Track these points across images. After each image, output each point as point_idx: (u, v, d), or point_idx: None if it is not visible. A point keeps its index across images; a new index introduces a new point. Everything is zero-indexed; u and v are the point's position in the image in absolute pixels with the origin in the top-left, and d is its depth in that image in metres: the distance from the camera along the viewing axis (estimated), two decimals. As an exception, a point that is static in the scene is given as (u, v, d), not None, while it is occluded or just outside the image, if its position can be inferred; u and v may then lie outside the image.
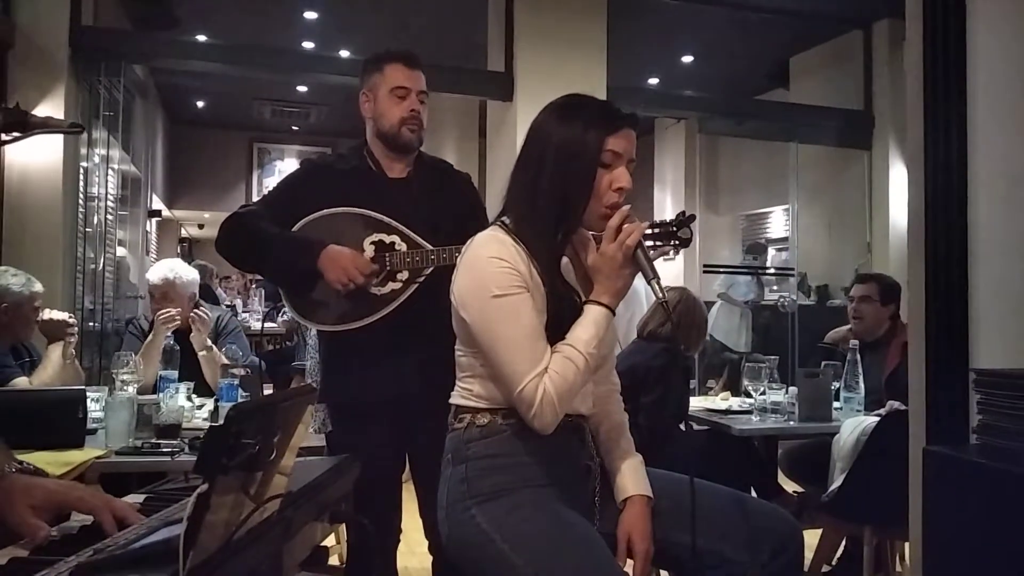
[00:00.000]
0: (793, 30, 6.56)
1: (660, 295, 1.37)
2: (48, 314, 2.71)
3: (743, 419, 2.81)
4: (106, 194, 5.01)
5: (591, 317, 1.39)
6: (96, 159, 4.92)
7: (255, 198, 10.12)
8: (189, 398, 2.56)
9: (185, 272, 3.08)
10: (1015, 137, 1.97)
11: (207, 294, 5.22)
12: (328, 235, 1.93)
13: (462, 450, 1.44)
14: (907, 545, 2.47)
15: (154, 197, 8.56)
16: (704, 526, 1.39)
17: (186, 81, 8.21)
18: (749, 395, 2.87)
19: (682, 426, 2.94)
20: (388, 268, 1.93)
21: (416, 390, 1.89)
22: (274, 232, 1.94)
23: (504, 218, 1.47)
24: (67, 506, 1.13)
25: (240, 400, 2.52)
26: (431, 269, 1.90)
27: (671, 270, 9.00)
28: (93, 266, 4.81)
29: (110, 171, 5.12)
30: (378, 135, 2.05)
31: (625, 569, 1.40)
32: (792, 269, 6.64)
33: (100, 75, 4.76)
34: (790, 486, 3.12)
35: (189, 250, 13.01)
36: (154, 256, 8.55)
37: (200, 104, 9.77)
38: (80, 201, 4.66)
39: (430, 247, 1.91)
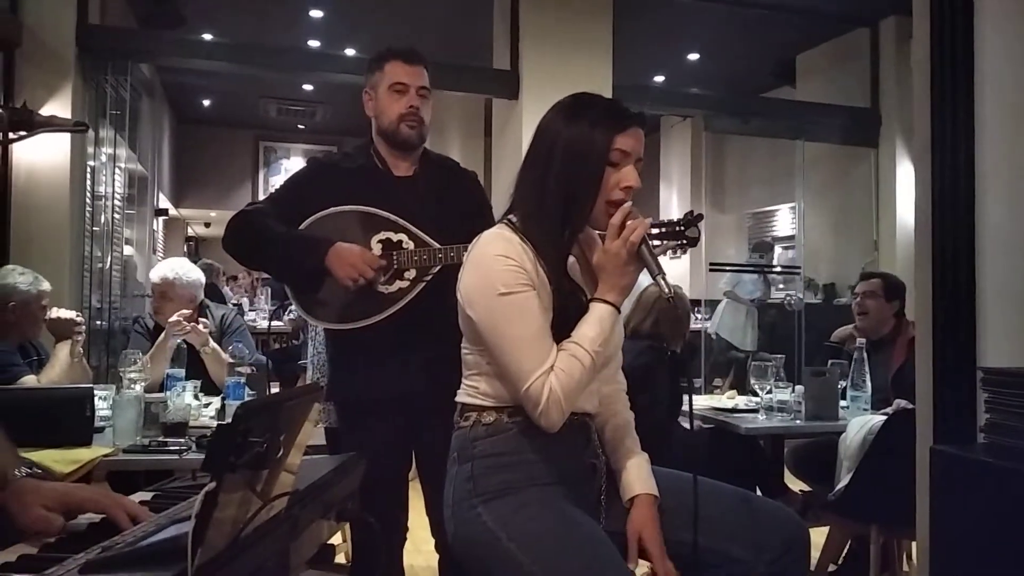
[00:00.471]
0: (799, 27, 6.55)
1: (666, 291, 1.37)
2: (56, 313, 2.72)
3: (749, 418, 2.80)
4: (113, 193, 5.02)
5: (596, 315, 1.39)
6: (103, 158, 4.93)
7: (261, 196, 10.14)
8: (196, 396, 2.57)
9: (187, 272, 3.08)
10: (1023, 135, 1.96)
11: (214, 293, 5.25)
12: (335, 233, 1.93)
13: (468, 448, 1.44)
14: (914, 545, 2.46)
15: (161, 196, 8.59)
16: (709, 525, 1.39)
17: (192, 80, 8.23)
18: (755, 394, 2.86)
19: (685, 424, 2.94)
20: (395, 266, 1.93)
21: (423, 388, 1.89)
22: (281, 230, 1.94)
23: (511, 216, 1.47)
24: (79, 506, 1.13)
25: (247, 398, 2.53)
26: (438, 267, 1.90)
27: (677, 269, 8.99)
28: (100, 265, 4.83)
29: (117, 170, 5.14)
30: (380, 132, 2.05)
31: (633, 569, 1.39)
32: (798, 268, 6.62)
33: (107, 74, 4.77)
34: (796, 485, 3.11)
35: (196, 249, 13.05)
36: (161, 255, 8.57)
37: (206, 103, 9.80)
38: (87, 200, 4.68)
39: (437, 245, 1.91)
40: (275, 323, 6.12)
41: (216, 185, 10.75)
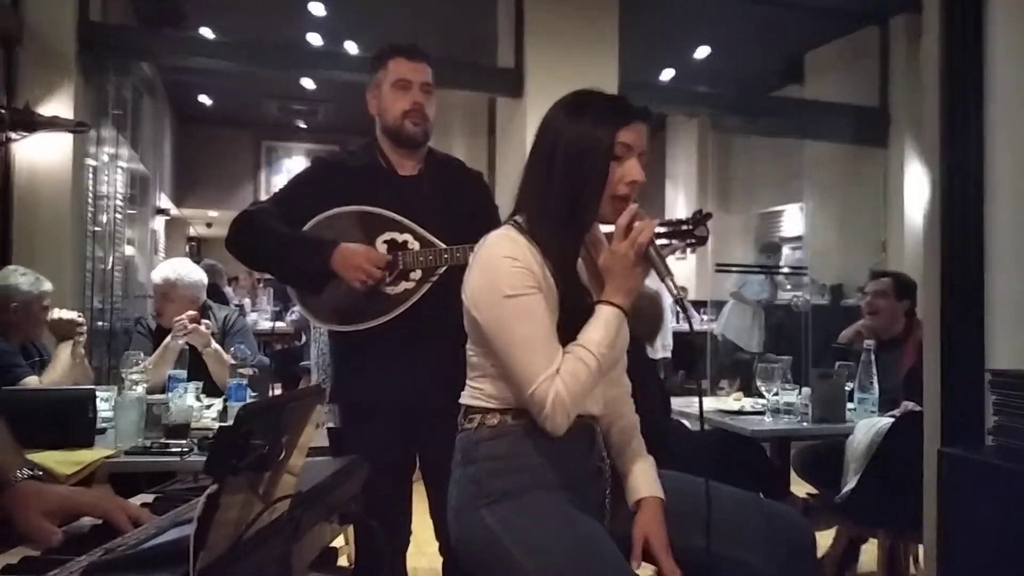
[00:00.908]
0: (808, 25, 6.52)
1: (675, 292, 1.35)
2: (57, 313, 2.71)
3: (756, 420, 2.78)
4: (114, 193, 5.02)
5: (603, 317, 1.38)
6: (104, 157, 4.93)
7: (263, 196, 10.13)
8: (198, 398, 2.56)
9: (189, 273, 3.07)
10: (1034, 135, 1.95)
11: (216, 293, 5.24)
12: (340, 234, 1.92)
13: (472, 451, 1.43)
14: (921, 548, 2.45)
15: (162, 195, 8.59)
16: (717, 529, 1.37)
17: (194, 78, 8.23)
18: (762, 396, 2.85)
19: (685, 424, 2.93)
20: (401, 267, 1.91)
21: (428, 390, 1.87)
22: (285, 231, 1.93)
23: (517, 217, 1.46)
24: (80, 511, 1.13)
25: (249, 400, 2.52)
26: (444, 268, 1.88)
27: (683, 269, 8.99)
28: (102, 265, 4.82)
29: (118, 169, 5.14)
30: (384, 131, 2.04)
31: (638, 572, 1.38)
32: (806, 268, 6.60)
33: (108, 72, 4.77)
34: (803, 487, 3.10)
35: (197, 249, 13.06)
36: (162, 255, 8.58)
37: (208, 102, 9.80)
38: (89, 200, 4.67)
39: (443, 246, 1.90)
40: (277, 324, 6.13)
41: (218, 185, 10.75)
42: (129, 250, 5.64)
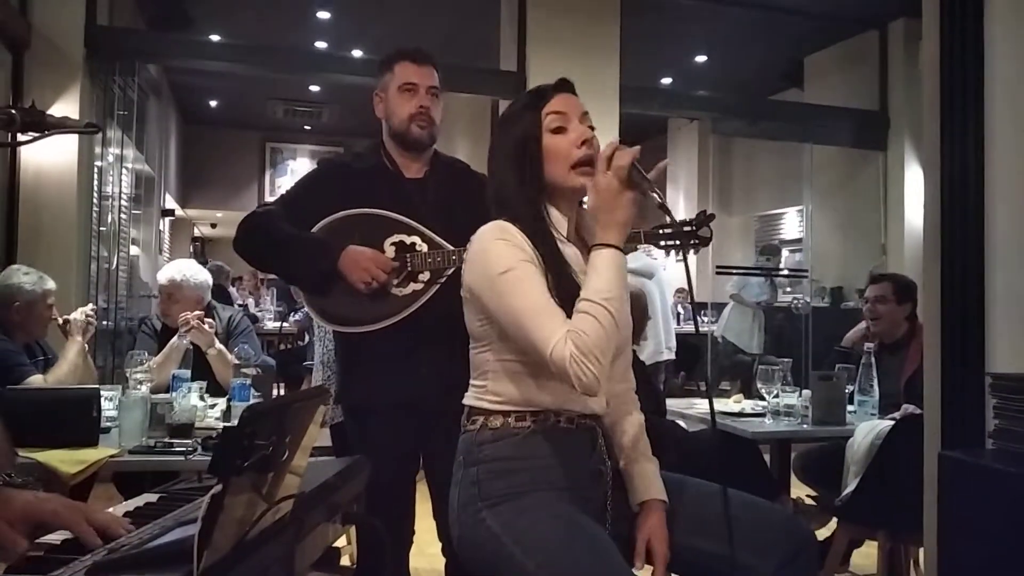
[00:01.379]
0: (808, 30, 6.53)
1: (660, 199, 1.34)
2: (72, 315, 2.73)
3: (756, 422, 2.79)
4: (120, 193, 5.05)
5: (600, 262, 1.36)
6: (110, 158, 4.95)
7: (267, 197, 10.20)
8: (202, 397, 2.57)
9: (194, 274, 3.09)
10: (1034, 138, 1.95)
11: (220, 294, 5.26)
12: (348, 236, 1.92)
13: (474, 452, 1.43)
14: (921, 551, 2.45)
15: (167, 196, 8.61)
16: (717, 531, 1.38)
17: (199, 81, 8.26)
18: (762, 398, 2.85)
19: (685, 425, 2.93)
20: (409, 269, 1.92)
21: (435, 391, 1.88)
22: (294, 233, 1.94)
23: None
24: (41, 520, 1.06)
25: (252, 400, 2.53)
26: (452, 270, 1.89)
27: (682, 271, 8.96)
28: (107, 265, 4.84)
29: (124, 170, 5.16)
30: (391, 134, 2.05)
31: (637, 573, 1.39)
32: (806, 271, 6.60)
33: (115, 75, 4.80)
34: (803, 490, 3.10)
35: (202, 249, 13.09)
36: (167, 255, 8.60)
37: (213, 104, 9.83)
38: (94, 200, 4.69)
39: (451, 247, 1.90)
40: (284, 325, 6.14)
41: (222, 186, 10.78)
42: (134, 250, 5.67)
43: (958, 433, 1.97)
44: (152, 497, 1.29)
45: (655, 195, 1.34)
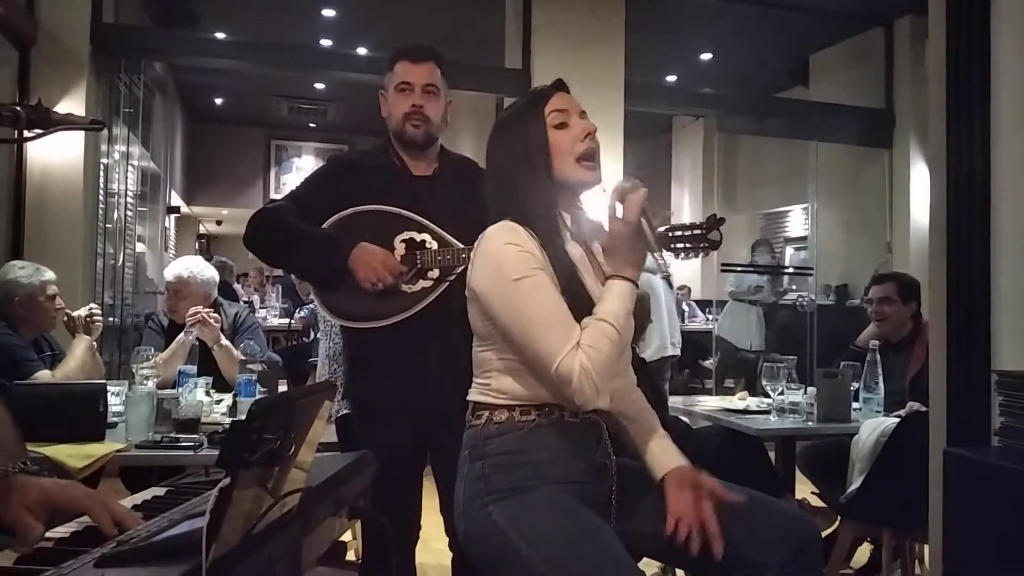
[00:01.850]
0: (813, 27, 6.52)
1: (662, 264, 1.40)
2: (75, 313, 2.74)
3: (761, 419, 2.79)
4: (126, 190, 5.06)
5: (616, 291, 1.40)
6: (116, 155, 4.97)
7: (273, 195, 10.23)
8: (208, 393, 2.58)
9: (201, 271, 3.10)
10: (1040, 136, 1.95)
11: (226, 290, 5.27)
12: (359, 233, 1.93)
13: (479, 447, 1.44)
14: (927, 548, 2.45)
15: (173, 193, 8.63)
16: (722, 525, 1.38)
17: (205, 78, 8.28)
18: (767, 395, 2.85)
19: (690, 422, 2.93)
20: (419, 266, 1.93)
21: (443, 388, 1.88)
22: (305, 228, 1.95)
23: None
24: (62, 506, 1.10)
25: (258, 396, 2.54)
26: (462, 268, 1.90)
27: (688, 269, 8.98)
28: (113, 262, 4.86)
29: (130, 167, 5.17)
30: (392, 134, 2.06)
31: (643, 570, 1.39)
32: (811, 268, 6.59)
33: (120, 72, 4.81)
34: (808, 486, 3.10)
35: (207, 246, 13.11)
36: (173, 252, 8.61)
37: (218, 101, 9.84)
38: (100, 197, 4.71)
39: (461, 245, 1.91)
40: (286, 320, 6.15)
41: (228, 183, 10.80)
42: (140, 247, 5.68)
43: (964, 430, 1.97)
44: (160, 491, 1.30)
45: (655, 257, 1.41)
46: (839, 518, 2.70)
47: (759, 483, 2.76)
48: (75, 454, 1.96)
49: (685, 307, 8.35)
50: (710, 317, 6.98)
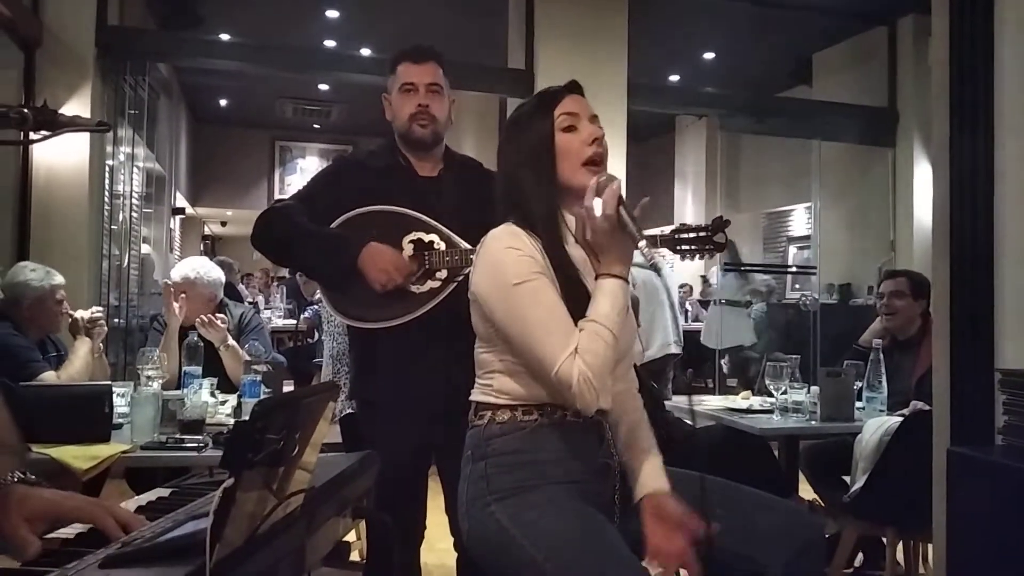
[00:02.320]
0: (816, 26, 6.51)
1: (646, 253, 1.35)
2: (77, 314, 2.75)
3: (764, 418, 2.79)
4: (131, 192, 5.07)
5: (606, 289, 1.39)
6: (121, 157, 4.98)
7: (277, 195, 10.24)
8: (212, 394, 2.59)
9: (208, 272, 3.10)
10: (1043, 135, 1.94)
11: (230, 291, 5.28)
12: (367, 232, 1.93)
13: (482, 447, 1.44)
14: (931, 547, 2.44)
15: (178, 194, 8.65)
16: (724, 524, 1.38)
17: (209, 80, 8.30)
18: (770, 394, 2.85)
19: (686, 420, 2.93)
20: (427, 266, 1.93)
21: (449, 388, 1.88)
22: (314, 229, 1.95)
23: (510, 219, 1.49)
24: (63, 517, 1.08)
25: (263, 396, 2.54)
26: (469, 269, 1.90)
27: (691, 269, 8.97)
28: (118, 263, 4.87)
29: (135, 169, 5.19)
30: (398, 136, 2.07)
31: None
32: (814, 267, 6.58)
33: (125, 74, 4.82)
34: (810, 486, 3.10)
35: (212, 247, 13.15)
36: (178, 253, 8.64)
37: (223, 102, 9.87)
38: (106, 199, 4.72)
39: (468, 246, 1.91)
40: (290, 321, 6.16)
41: (232, 184, 10.83)
42: (145, 248, 5.69)
43: (967, 429, 1.97)
44: (164, 492, 1.30)
45: (641, 246, 1.36)
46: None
47: (765, 483, 2.77)
48: (81, 455, 1.97)
49: (688, 307, 8.35)
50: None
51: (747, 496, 1.50)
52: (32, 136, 1.19)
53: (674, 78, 7.83)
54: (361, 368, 2.08)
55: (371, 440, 1.99)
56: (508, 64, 5.54)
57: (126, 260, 4.97)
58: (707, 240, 1.48)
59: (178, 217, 8.97)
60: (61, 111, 1.22)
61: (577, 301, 1.41)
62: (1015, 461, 1.76)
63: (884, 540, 2.66)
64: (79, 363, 2.68)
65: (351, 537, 2.95)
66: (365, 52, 6.38)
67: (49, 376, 2.59)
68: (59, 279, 2.76)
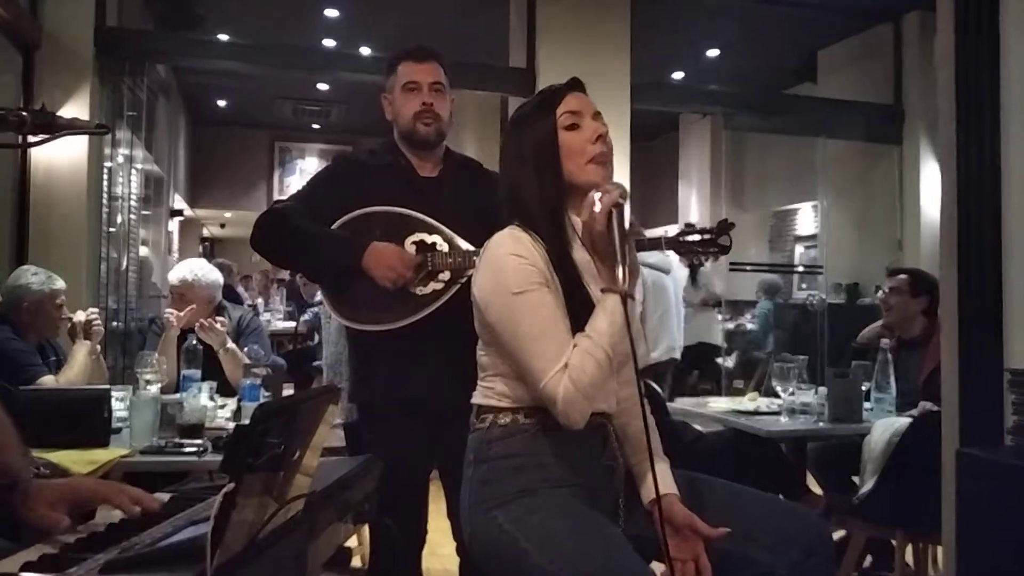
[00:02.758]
0: (821, 23, 6.50)
1: (620, 280, 1.32)
2: (76, 318, 2.74)
3: (772, 420, 2.77)
4: (129, 194, 5.06)
5: (607, 307, 1.36)
6: (120, 159, 4.97)
7: (276, 197, 10.23)
8: (212, 398, 2.57)
9: (206, 274, 3.09)
10: (1053, 131, 1.93)
11: (229, 293, 5.27)
12: (369, 233, 1.91)
13: (484, 450, 1.43)
14: (940, 549, 2.43)
15: (176, 196, 8.65)
16: (731, 527, 1.37)
17: (208, 80, 8.30)
18: (778, 395, 2.83)
19: (700, 427, 2.91)
20: (429, 268, 1.91)
21: (451, 390, 1.86)
22: (316, 230, 1.94)
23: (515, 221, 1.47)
24: (81, 498, 1.15)
25: (262, 400, 2.52)
26: (472, 271, 1.88)
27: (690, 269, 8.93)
28: (116, 265, 4.86)
29: (133, 171, 5.18)
30: (400, 135, 2.05)
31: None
32: (821, 267, 6.56)
33: (124, 75, 4.82)
34: (818, 488, 3.08)
35: (211, 249, 13.15)
36: (176, 255, 8.63)
37: (222, 103, 9.86)
38: (104, 201, 4.71)
39: (471, 248, 1.89)
40: (290, 324, 6.15)
41: (231, 186, 10.82)
42: (143, 251, 5.69)
43: (976, 430, 1.96)
44: (163, 496, 1.29)
45: (616, 255, 1.32)
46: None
47: (776, 486, 2.75)
48: (80, 460, 1.96)
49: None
50: (720, 316, 6.95)
51: (754, 498, 1.49)
52: (31, 139, 1.20)
53: (678, 76, 7.81)
54: (363, 370, 2.06)
55: (373, 443, 1.97)
56: (509, 63, 5.53)
57: (124, 262, 4.96)
58: (711, 243, 1.46)
59: (177, 219, 8.97)
60: (60, 113, 1.22)
61: (578, 306, 1.40)
62: (1025, 462, 1.74)
63: (893, 542, 2.64)
64: (77, 367, 2.67)
65: (353, 543, 2.94)
66: (365, 52, 6.36)
67: (48, 380, 2.58)
68: (60, 284, 2.75)
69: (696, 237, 1.48)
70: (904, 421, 2.49)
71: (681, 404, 3.32)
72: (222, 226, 13.01)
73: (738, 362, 6.55)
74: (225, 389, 2.80)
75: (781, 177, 8.48)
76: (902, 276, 3.13)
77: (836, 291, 6.50)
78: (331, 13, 6.61)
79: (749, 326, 7.24)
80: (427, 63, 2.03)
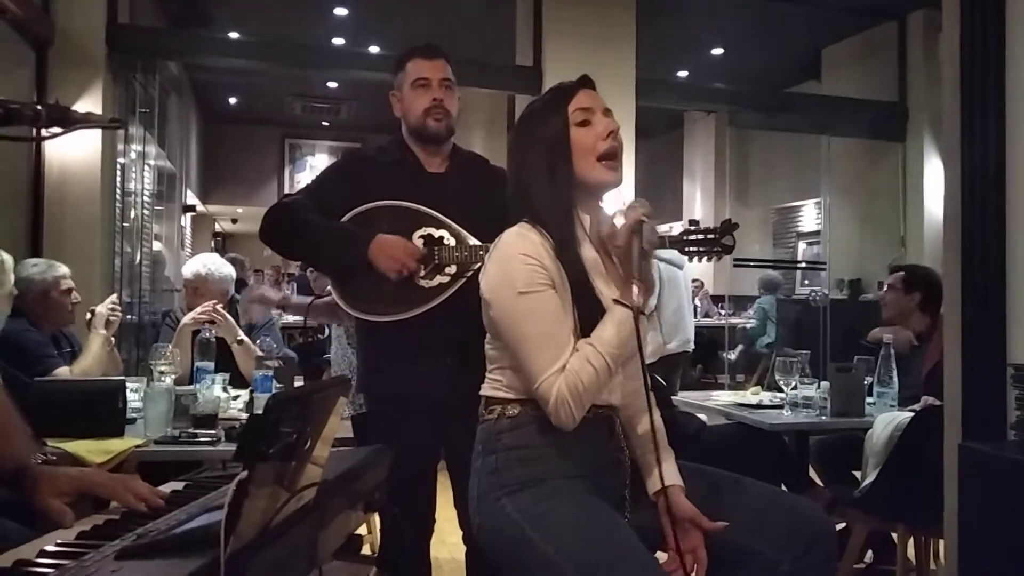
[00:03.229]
0: (825, 21, 6.48)
1: (633, 300, 1.37)
2: (98, 309, 2.77)
3: (774, 414, 2.78)
4: (142, 189, 5.10)
5: (617, 317, 1.39)
6: (132, 155, 5.01)
7: (287, 192, 10.25)
8: (225, 389, 2.60)
9: (219, 268, 3.11)
10: (1055, 129, 1.93)
11: (240, 287, 5.30)
12: (376, 227, 1.93)
13: (492, 441, 1.45)
14: (942, 543, 2.44)
15: (188, 192, 8.69)
16: (735, 519, 1.38)
17: (219, 78, 8.33)
18: (780, 390, 2.84)
19: (706, 418, 2.92)
20: (436, 261, 1.94)
21: (458, 382, 1.88)
22: (323, 223, 1.96)
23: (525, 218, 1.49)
24: (89, 491, 1.17)
25: (274, 391, 2.55)
26: (479, 265, 1.91)
27: (701, 265, 8.93)
28: (130, 260, 4.90)
29: (146, 167, 5.22)
30: (410, 132, 2.07)
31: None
32: (824, 263, 6.56)
33: (136, 72, 4.85)
34: (820, 481, 3.09)
35: (223, 244, 13.20)
36: (189, 251, 8.67)
37: (233, 100, 9.90)
38: (117, 196, 4.75)
39: (478, 243, 1.92)
40: (297, 318, 6.16)
41: (243, 182, 10.87)
42: (156, 246, 5.72)
43: (979, 424, 1.96)
44: (178, 485, 1.32)
45: (634, 289, 1.38)
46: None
47: (781, 479, 2.76)
48: (95, 449, 1.98)
49: (698, 303, 8.33)
50: (723, 312, 6.96)
51: (757, 490, 1.49)
52: (44, 133, 1.20)
53: (683, 74, 7.80)
54: (370, 362, 2.09)
55: (381, 434, 2.00)
56: (516, 61, 5.53)
57: (138, 257, 5.00)
58: (715, 242, 1.48)
59: (189, 214, 9.00)
60: (74, 108, 1.23)
61: (585, 303, 1.41)
62: (1027, 456, 1.75)
63: (895, 536, 2.65)
64: (92, 357, 2.69)
65: (363, 530, 2.97)
66: (374, 50, 6.38)
67: (63, 371, 2.61)
68: (62, 269, 2.76)
69: (699, 237, 1.49)
70: (906, 416, 2.50)
71: (684, 397, 3.34)
72: (234, 221, 13.06)
73: (740, 356, 6.55)
74: (238, 381, 2.83)
75: (785, 174, 8.47)
76: (897, 274, 3.14)
77: (839, 287, 6.49)
78: (340, 12, 6.63)
79: (749, 324, 7.24)
80: (436, 60, 2.05)
